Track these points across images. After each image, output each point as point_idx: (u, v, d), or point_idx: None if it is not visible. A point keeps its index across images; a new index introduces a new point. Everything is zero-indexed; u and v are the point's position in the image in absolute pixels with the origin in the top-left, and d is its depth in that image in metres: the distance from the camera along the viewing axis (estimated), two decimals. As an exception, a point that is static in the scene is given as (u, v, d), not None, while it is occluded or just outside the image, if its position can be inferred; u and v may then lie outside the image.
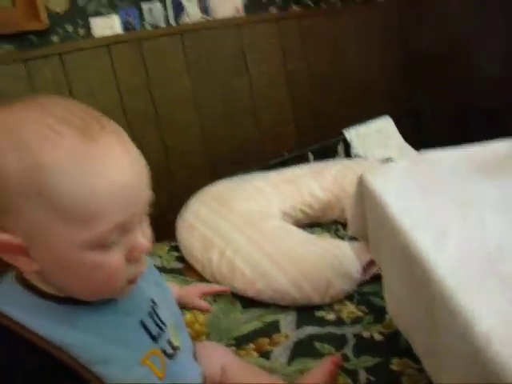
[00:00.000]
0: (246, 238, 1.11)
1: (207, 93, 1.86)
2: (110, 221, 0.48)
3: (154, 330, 0.60)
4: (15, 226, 0.49)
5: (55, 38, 1.64)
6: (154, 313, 0.61)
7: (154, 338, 0.59)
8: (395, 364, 0.83)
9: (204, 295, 0.82)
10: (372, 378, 0.81)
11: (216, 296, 1.10)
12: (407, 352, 0.82)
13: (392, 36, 2.26)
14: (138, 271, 0.55)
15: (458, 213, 0.65)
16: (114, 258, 0.50)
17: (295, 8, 2.10)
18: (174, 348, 0.62)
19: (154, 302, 0.62)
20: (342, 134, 1.89)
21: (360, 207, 0.90)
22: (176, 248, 1.30)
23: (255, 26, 1.94)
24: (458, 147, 0.93)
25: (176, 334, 0.64)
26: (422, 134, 2.14)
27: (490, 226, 0.60)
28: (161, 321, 0.62)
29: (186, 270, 1.21)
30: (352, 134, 1.89)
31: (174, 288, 0.79)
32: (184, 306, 0.80)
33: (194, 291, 0.81)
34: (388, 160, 1.80)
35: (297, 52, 2.04)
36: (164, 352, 0.60)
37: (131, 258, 0.52)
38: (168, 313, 0.64)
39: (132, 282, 0.55)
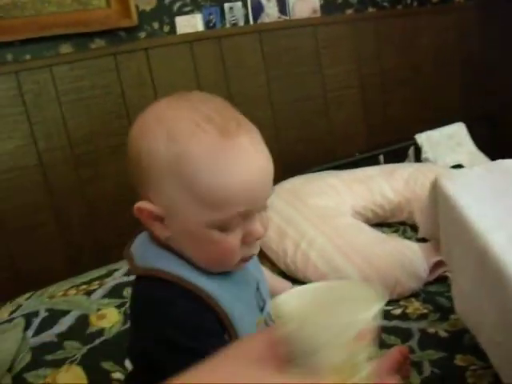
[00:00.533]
0: (320, 232, 1.18)
1: (282, 91, 1.93)
2: (233, 210, 0.57)
3: (260, 302, 0.69)
4: (158, 198, 0.60)
5: (142, 34, 1.76)
6: (258, 289, 0.70)
7: (260, 309, 0.69)
8: (459, 359, 0.88)
9: None
10: (436, 371, 0.86)
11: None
12: (472, 350, 0.87)
13: (470, 38, 2.23)
14: (251, 253, 0.63)
15: (533, 220, 0.69)
16: (231, 239, 0.59)
17: (371, 10, 2.12)
18: (273, 321, 0.71)
19: (258, 279, 0.72)
20: (413, 138, 1.91)
21: (433, 210, 0.95)
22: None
23: (331, 26, 1.98)
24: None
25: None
26: (497, 141, 2.10)
27: None
28: (263, 296, 0.71)
29: (260, 258, 1.29)
30: (423, 138, 1.91)
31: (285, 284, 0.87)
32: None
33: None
34: (458, 166, 1.81)
35: (372, 54, 2.06)
36: (266, 323, 0.69)
37: (246, 241, 0.60)
38: (265, 292, 0.74)
39: (245, 260, 0.63)
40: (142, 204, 0.60)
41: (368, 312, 0.37)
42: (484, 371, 0.82)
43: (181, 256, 0.63)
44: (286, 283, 0.89)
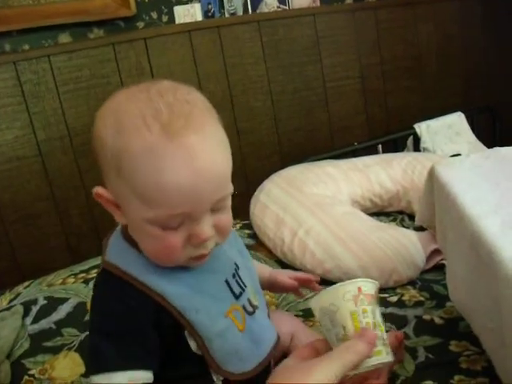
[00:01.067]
0: (318, 220, 1.18)
1: (281, 81, 1.93)
2: (169, 210, 0.56)
3: (237, 289, 0.69)
4: (108, 185, 0.61)
5: (141, 24, 1.77)
6: (236, 274, 0.71)
7: (236, 296, 0.69)
8: (454, 345, 0.88)
9: (295, 279, 0.88)
10: (431, 356, 0.86)
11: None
12: (466, 336, 0.88)
13: (472, 28, 2.21)
14: (199, 253, 0.62)
15: (526, 205, 0.69)
16: (172, 238, 0.58)
17: (371, -1, 2.11)
18: (253, 306, 0.71)
19: (236, 265, 0.72)
20: (412, 127, 1.90)
21: (430, 197, 0.95)
22: (248, 226, 1.40)
23: (330, 16, 1.98)
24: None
25: (254, 295, 0.74)
26: (497, 132, 2.10)
27: None
28: (242, 282, 0.71)
29: (257, 246, 1.31)
30: (422, 128, 1.90)
31: (266, 268, 0.88)
32: (273, 284, 0.87)
33: (285, 272, 0.90)
34: (457, 156, 1.80)
35: (372, 43, 2.05)
36: (244, 308, 0.70)
37: (191, 243, 0.60)
38: (248, 277, 0.74)
39: (196, 259, 0.62)
40: (98, 189, 0.61)
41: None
42: (477, 356, 0.83)
43: (141, 251, 0.64)
44: (266, 268, 0.90)
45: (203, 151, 0.56)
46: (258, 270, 0.81)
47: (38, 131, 1.63)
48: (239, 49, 1.85)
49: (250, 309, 0.71)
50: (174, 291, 0.63)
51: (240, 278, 0.71)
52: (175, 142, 0.54)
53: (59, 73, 1.63)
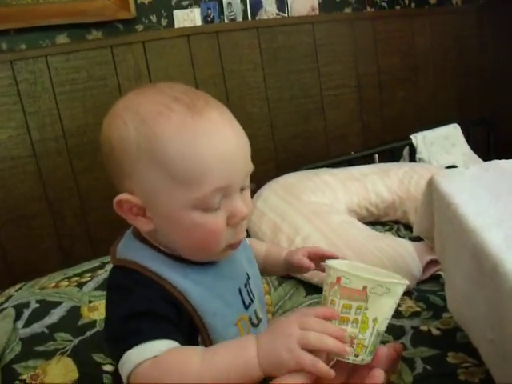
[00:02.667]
0: (315, 228, 1.18)
1: (278, 88, 1.93)
2: (211, 184, 0.56)
3: (247, 299, 0.68)
4: (135, 187, 0.58)
5: (140, 27, 1.77)
6: (247, 284, 0.70)
7: (245, 306, 0.68)
8: (451, 357, 0.88)
9: (310, 256, 0.80)
10: (429, 368, 0.86)
11: (283, 280, 1.18)
12: (464, 347, 0.88)
13: (467, 41, 2.24)
14: (238, 237, 0.62)
15: (528, 219, 0.69)
16: (215, 220, 0.58)
17: (369, 9, 2.13)
18: (258, 319, 0.70)
19: (248, 274, 0.71)
20: (408, 138, 1.91)
21: (428, 208, 0.95)
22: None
23: (329, 24, 1.99)
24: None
25: (260, 307, 0.73)
26: (491, 144, 2.12)
27: None
28: (252, 293, 0.70)
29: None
30: (419, 138, 1.91)
31: (280, 250, 0.83)
32: (290, 266, 0.81)
33: (299, 251, 0.83)
34: (452, 167, 1.81)
35: (369, 53, 2.07)
36: (250, 320, 0.68)
37: (231, 223, 0.59)
38: (256, 288, 0.73)
39: (232, 246, 0.62)
40: (121, 196, 0.59)
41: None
42: (476, 368, 0.83)
43: (161, 251, 0.62)
44: (280, 249, 0.86)
45: (230, 123, 0.59)
46: (273, 253, 0.81)
47: (32, 131, 1.62)
48: (238, 55, 1.85)
49: (255, 321, 0.70)
50: (195, 291, 0.61)
51: (250, 289, 0.70)
52: (204, 118, 0.56)
53: (56, 73, 1.61)
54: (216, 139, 0.57)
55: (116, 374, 0.68)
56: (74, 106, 1.65)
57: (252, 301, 0.69)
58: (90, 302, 1.12)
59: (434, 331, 0.96)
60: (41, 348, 1.00)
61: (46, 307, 1.12)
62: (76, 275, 1.25)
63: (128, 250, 0.64)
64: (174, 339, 0.56)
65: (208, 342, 0.62)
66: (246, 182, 0.61)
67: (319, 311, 0.53)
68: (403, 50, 2.14)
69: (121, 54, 1.68)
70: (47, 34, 1.65)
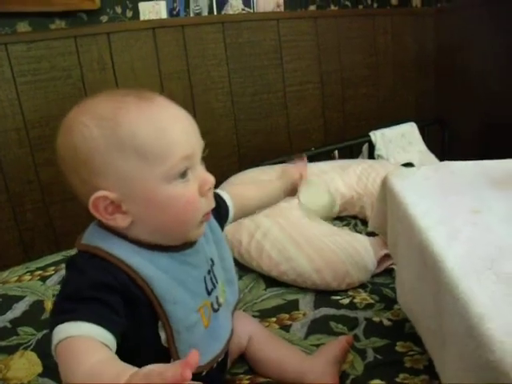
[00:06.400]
0: (275, 224, 1.22)
1: (242, 83, 1.96)
2: (178, 153, 0.63)
3: (210, 285, 0.73)
4: (109, 182, 0.62)
5: (104, 18, 1.74)
6: (211, 271, 0.74)
7: (208, 293, 0.72)
8: (400, 346, 0.94)
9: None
10: (379, 357, 0.92)
11: (243, 274, 1.23)
12: (411, 337, 0.94)
13: (426, 43, 2.32)
14: (211, 205, 0.69)
15: (469, 219, 0.75)
16: (188, 189, 0.64)
17: (333, 7, 2.17)
18: (219, 304, 0.75)
19: (212, 261, 0.75)
20: (368, 135, 1.98)
21: (382, 205, 1.01)
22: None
23: (294, 21, 2.02)
24: (476, 161, 1.03)
25: (224, 291, 0.77)
26: (446, 142, 2.22)
27: (493, 231, 0.70)
28: (215, 278, 0.74)
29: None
30: (377, 135, 1.98)
31: (275, 185, 0.95)
32: (290, 192, 0.95)
33: (287, 176, 0.96)
34: (408, 164, 1.90)
35: (332, 51, 2.11)
36: (212, 305, 0.73)
37: (202, 192, 0.66)
38: (221, 270, 0.77)
39: (205, 219, 0.68)
40: (98, 193, 0.61)
41: None
42: (420, 356, 0.89)
43: (127, 239, 0.66)
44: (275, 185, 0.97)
45: (177, 106, 0.67)
46: (271, 193, 0.93)
47: (-7, 122, 1.59)
48: (202, 49, 1.86)
49: (216, 306, 0.74)
50: (157, 277, 0.64)
51: (214, 275, 0.74)
52: (155, 102, 0.65)
53: (17, 63, 1.58)
54: (172, 115, 0.65)
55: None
56: (36, 97, 1.62)
57: (215, 286, 0.74)
58: (54, 295, 1.12)
59: (386, 322, 1.02)
60: (3, 343, 1.01)
61: (8, 302, 1.12)
62: (39, 269, 1.25)
63: (94, 237, 0.67)
64: (105, 327, 0.58)
65: (168, 327, 0.66)
66: (202, 155, 0.68)
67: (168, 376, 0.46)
68: (365, 48, 2.20)
69: (85, 44, 1.67)
70: (7, 21, 1.60)
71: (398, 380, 0.84)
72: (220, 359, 0.76)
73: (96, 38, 1.68)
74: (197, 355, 0.46)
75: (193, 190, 0.65)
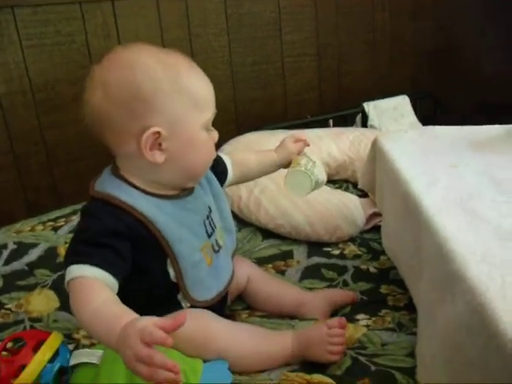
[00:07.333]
0: (272, 181, 1.31)
1: (241, 53, 2.01)
2: (212, 108, 0.77)
3: (209, 229, 0.82)
4: (162, 120, 0.72)
5: (110, -15, 1.78)
6: (209, 216, 0.83)
7: (208, 235, 0.81)
8: (384, 288, 1.05)
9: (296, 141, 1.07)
10: (364, 298, 1.02)
11: (241, 227, 1.32)
12: (394, 282, 1.05)
13: (423, 21, 2.37)
14: (215, 155, 0.84)
15: (446, 172, 0.85)
16: (211, 137, 0.79)
17: (334, -18, 2.21)
18: (219, 246, 0.84)
19: (210, 208, 0.84)
20: (361, 106, 2.06)
21: (371, 164, 1.10)
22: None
23: (293, -5, 2.07)
24: (459, 126, 1.13)
25: (222, 236, 0.86)
26: (437, 116, 2.29)
27: (466, 181, 0.81)
28: (213, 223, 0.84)
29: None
30: (370, 106, 2.06)
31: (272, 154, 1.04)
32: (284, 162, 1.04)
33: (286, 144, 1.06)
34: (400, 134, 1.98)
35: (330, 25, 2.17)
36: (212, 247, 0.82)
37: None
38: (219, 218, 0.86)
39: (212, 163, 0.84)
40: (154, 128, 0.71)
41: None
42: (401, 296, 1.00)
43: (136, 187, 0.75)
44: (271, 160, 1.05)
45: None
46: (266, 162, 1.03)
47: (-1, 84, 1.63)
48: (204, 19, 1.91)
49: (216, 247, 0.84)
50: (164, 221, 0.74)
51: (212, 220, 0.84)
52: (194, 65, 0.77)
53: (23, 26, 1.61)
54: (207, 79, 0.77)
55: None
56: (41, 61, 1.66)
57: (213, 230, 0.84)
58: (66, 242, 1.21)
59: (372, 269, 1.12)
60: (22, 282, 1.10)
61: (23, 248, 1.20)
62: (50, 220, 1.33)
63: (106, 184, 0.76)
64: (111, 272, 0.68)
65: (176, 264, 0.75)
66: None
67: (159, 322, 0.54)
68: (363, 24, 2.25)
69: (90, 11, 1.70)
70: (14, -16, 1.64)
71: (380, 314, 0.95)
72: (222, 296, 0.86)
73: (100, 4, 1.71)
74: (184, 317, 0.54)
75: (212, 140, 0.79)
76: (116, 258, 0.70)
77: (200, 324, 0.76)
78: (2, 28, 1.59)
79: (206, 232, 0.82)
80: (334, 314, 0.98)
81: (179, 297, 0.79)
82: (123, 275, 0.71)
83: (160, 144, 0.72)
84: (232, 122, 2.04)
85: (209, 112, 0.76)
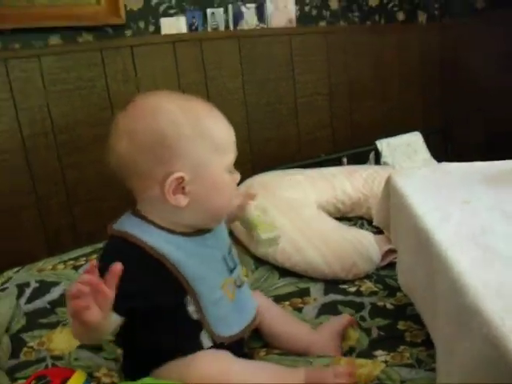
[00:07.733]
0: (288, 220, 1.33)
1: (256, 94, 2.08)
2: (233, 151, 0.79)
3: (231, 264, 0.84)
4: (186, 164, 0.74)
5: (128, 32, 1.87)
6: (230, 252, 0.85)
7: (230, 271, 0.83)
8: (401, 325, 1.05)
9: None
10: (382, 333, 1.02)
11: (258, 265, 1.33)
12: (411, 318, 1.05)
13: (431, 57, 2.43)
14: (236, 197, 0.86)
15: (459, 207, 0.87)
16: (234, 179, 0.81)
17: (342, 24, 2.30)
18: (242, 281, 0.86)
19: (230, 245, 0.86)
20: (374, 143, 2.10)
21: (386, 201, 1.12)
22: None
23: (305, 36, 2.15)
24: (471, 163, 1.15)
25: (245, 270, 0.88)
26: (448, 151, 2.32)
27: (479, 216, 0.82)
28: (234, 259, 0.85)
29: (234, 242, 1.43)
30: (383, 144, 2.10)
31: None
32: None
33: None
34: (413, 171, 2.00)
35: (341, 64, 2.24)
36: (235, 282, 0.84)
37: None
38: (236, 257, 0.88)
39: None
40: (178, 173, 0.74)
41: None
42: (419, 332, 1.00)
43: (156, 225, 0.77)
44: None
45: None
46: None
47: (23, 127, 1.69)
48: (219, 62, 1.98)
49: (239, 283, 0.85)
50: (185, 261, 0.76)
51: (233, 256, 0.86)
52: (214, 111, 0.80)
53: (48, 73, 1.70)
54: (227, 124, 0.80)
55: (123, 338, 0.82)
56: (63, 104, 1.74)
57: (236, 265, 0.85)
58: (87, 281, 1.23)
59: (389, 306, 1.13)
60: (44, 320, 1.12)
61: (45, 286, 1.23)
62: (71, 259, 1.36)
63: (126, 224, 0.78)
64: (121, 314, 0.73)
65: (195, 301, 0.77)
66: None
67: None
68: (372, 62, 2.32)
69: (110, 56, 1.79)
70: (41, 35, 1.73)
71: (398, 350, 0.95)
72: (247, 333, 0.86)
73: (120, 50, 1.80)
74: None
75: (234, 181, 0.81)
76: (127, 302, 0.72)
77: (222, 367, 0.77)
78: (28, 75, 1.67)
79: (228, 268, 0.83)
80: (348, 351, 0.98)
81: (202, 334, 0.80)
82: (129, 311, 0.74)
83: (183, 188, 0.74)
84: (248, 162, 2.08)
85: (231, 154, 0.78)
